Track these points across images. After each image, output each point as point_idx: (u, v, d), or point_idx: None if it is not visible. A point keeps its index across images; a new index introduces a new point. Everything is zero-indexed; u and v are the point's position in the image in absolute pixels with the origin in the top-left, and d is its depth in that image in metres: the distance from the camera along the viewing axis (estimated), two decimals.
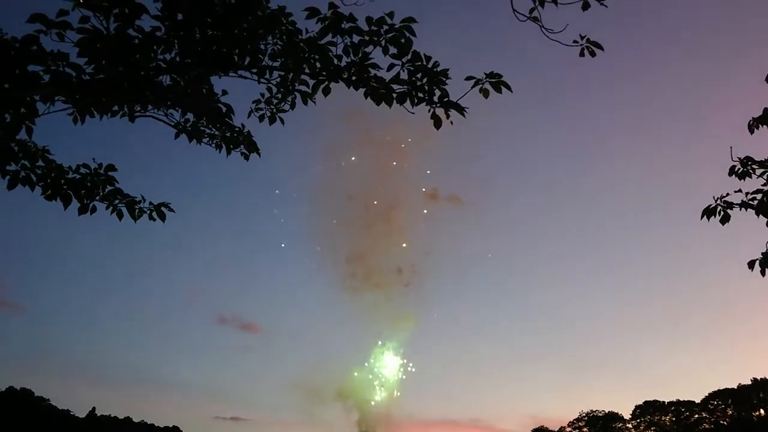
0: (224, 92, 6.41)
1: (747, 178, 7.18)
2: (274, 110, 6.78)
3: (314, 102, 6.50)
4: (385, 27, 5.67)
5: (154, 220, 6.29)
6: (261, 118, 6.81)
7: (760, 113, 8.02)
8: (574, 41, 6.11)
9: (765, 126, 7.64)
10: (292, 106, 6.66)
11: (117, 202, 6.22)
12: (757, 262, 6.64)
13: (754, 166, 7.18)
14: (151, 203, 6.36)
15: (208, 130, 6.77)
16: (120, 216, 6.24)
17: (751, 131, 8.05)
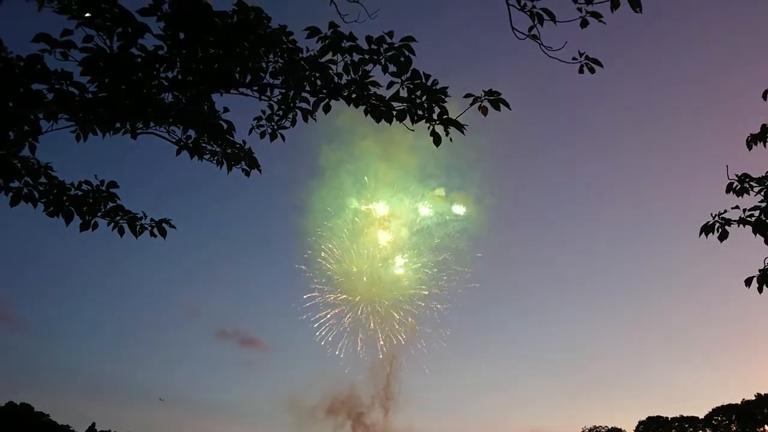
0: (225, 109, 6.48)
1: (745, 194, 7.21)
2: (275, 127, 6.83)
3: (314, 119, 6.56)
4: (385, 46, 5.74)
5: (155, 236, 6.33)
6: (262, 135, 6.87)
7: (758, 130, 8.08)
8: (573, 58, 6.17)
9: (762, 143, 7.69)
10: (293, 123, 6.71)
11: (118, 218, 6.26)
12: (755, 279, 6.65)
13: (752, 183, 7.21)
14: (152, 219, 6.41)
15: (209, 147, 6.82)
16: (121, 232, 6.28)
17: (749, 147, 8.10)
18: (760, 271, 6.72)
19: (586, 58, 6.05)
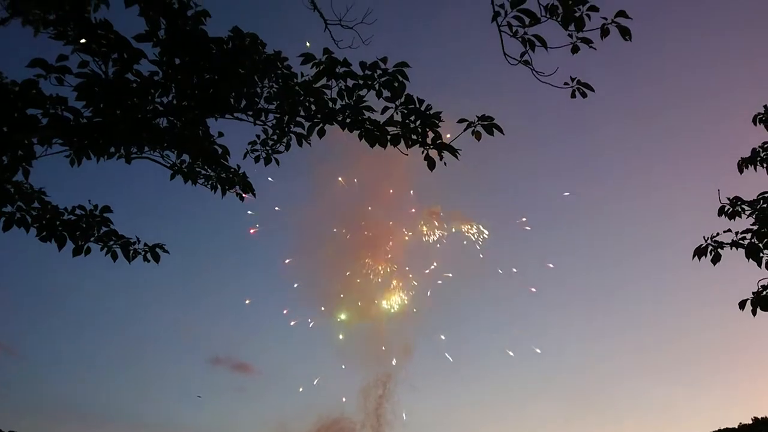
0: (220, 134, 6.51)
1: (737, 217, 7.26)
2: (270, 151, 6.86)
3: (309, 143, 6.58)
4: (379, 71, 5.80)
5: (149, 261, 6.30)
6: (257, 159, 6.88)
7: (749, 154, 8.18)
8: (565, 83, 6.24)
9: (753, 166, 7.78)
10: (287, 147, 6.74)
11: (112, 243, 6.24)
12: (748, 302, 6.67)
13: (744, 206, 7.27)
14: (145, 244, 6.38)
15: (203, 171, 6.83)
16: (114, 257, 6.25)
17: (741, 171, 8.18)
18: (753, 293, 6.74)
19: (578, 82, 6.13)
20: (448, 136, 6.17)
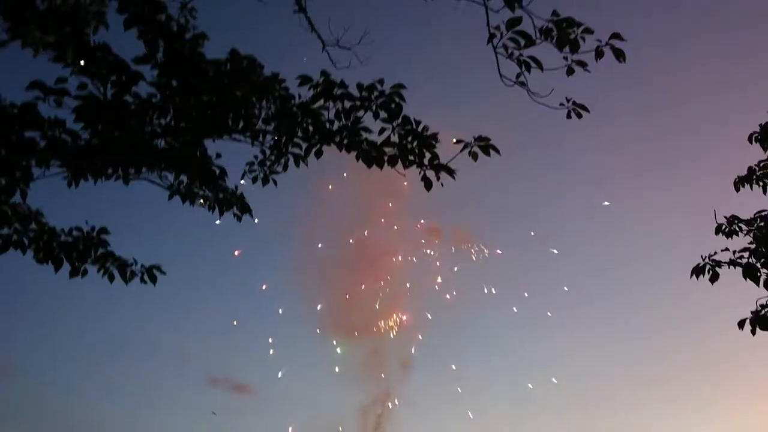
0: (218, 155, 6.53)
1: (734, 236, 7.29)
2: (267, 172, 6.87)
3: (306, 164, 6.60)
4: (376, 93, 5.84)
5: (146, 282, 6.29)
6: (254, 180, 6.90)
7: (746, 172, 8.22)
8: (561, 104, 6.29)
9: (749, 185, 7.82)
10: (285, 168, 6.76)
11: (108, 264, 6.24)
12: (747, 321, 6.66)
13: (741, 225, 7.30)
14: (142, 266, 6.38)
15: (201, 192, 6.84)
16: (111, 278, 6.24)
17: (737, 189, 8.23)
18: (752, 313, 6.74)
19: (573, 103, 6.18)
20: (455, 140, 6.17)
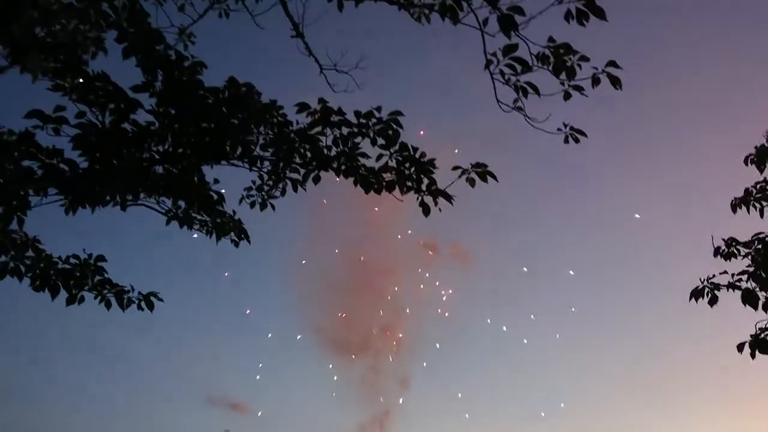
0: (216, 180, 6.54)
1: (732, 258, 7.29)
2: (265, 197, 6.89)
3: (305, 189, 6.62)
4: (374, 120, 5.88)
5: (143, 309, 6.28)
6: (252, 205, 6.91)
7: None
8: (558, 129, 6.32)
9: (746, 207, 7.84)
10: (283, 192, 6.77)
11: (106, 291, 6.22)
12: (747, 345, 6.65)
13: (739, 247, 7.30)
14: (139, 293, 6.36)
15: (199, 217, 6.85)
16: (108, 306, 6.23)
17: (734, 210, 8.24)
18: (751, 336, 6.73)
19: (571, 128, 6.20)
20: (453, 167, 6.18)
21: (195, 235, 6.85)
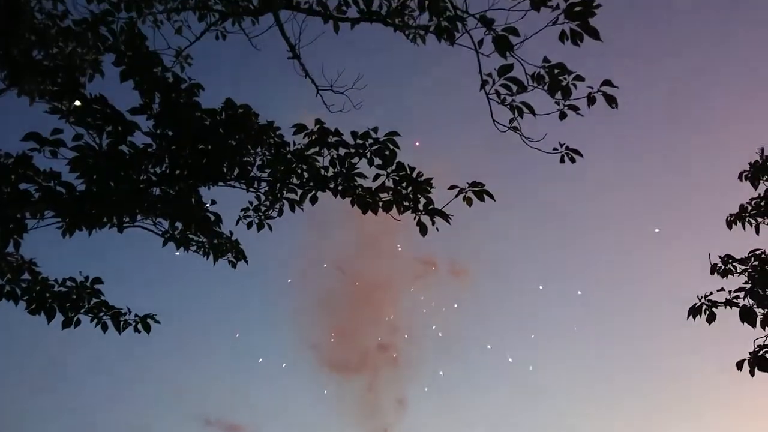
0: (213, 202, 6.54)
1: (729, 275, 7.30)
2: (263, 217, 6.88)
3: (302, 209, 6.62)
4: (370, 140, 5.90)
5: (139, 332, 6.23)
6: (249, 225, 6.90)
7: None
8: (554, 148, 6.34)
9: (741, 223, 7.86)
10: (280, 213, 6.77)
11: (102, 314, 6.18)
12: (746, 362, 6.63)
13: (735, 264, 7.32)
14: (136, 315, 6.33)
15: (196, 238, 6.83)
16: (104, 328, 6.19)
17: (730, 227, 8.27)
18: (750, 353, 6.71)
19: (566, 148, 6.23)
20: (450, 187, 6.19)
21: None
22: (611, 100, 5.62)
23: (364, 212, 6.08)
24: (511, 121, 6.21)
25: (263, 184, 6.45)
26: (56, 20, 6.24)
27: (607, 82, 5.62)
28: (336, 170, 6.14)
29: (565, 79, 5.67)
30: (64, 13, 6.26)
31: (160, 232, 6.61)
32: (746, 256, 7.31)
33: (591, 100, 5.66)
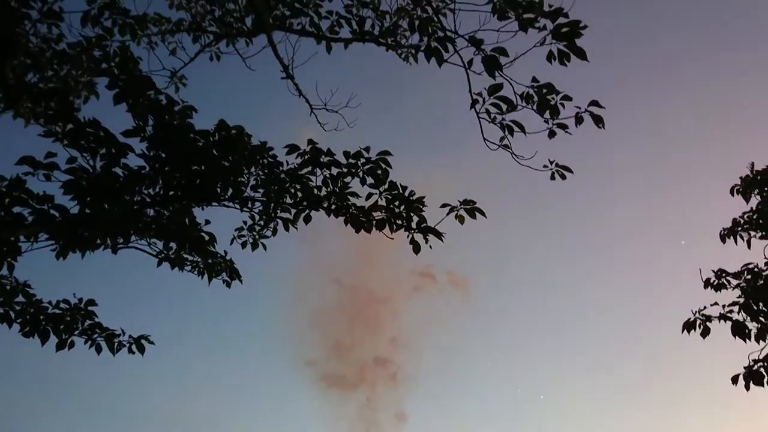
0: (207, 222, 6.57)
1: (723, 289, 7.32)
2: (257, 237, 6.91)
3: (296, 228, 6.65)
4: (363, 160, 5.95)
5: (133, 353, 6.24)
6: (243, 245, 6.93)
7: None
8: (544, 166, 6.39)
9: (734, 237, 7.91)
10: (274, 232, 6.81)
11: (96, 336, 6.19)
12: (741, 377, 6.64)
13: (728, 278, 7.34)
14: (130, 336, 6.34)
15: (190, 258, 6.86)
16: (98, 350, 6.19)
17: (723, 241, 8.31)
18: (745, 368, 6.72)
19: (556, 165, 6.28)
20: (442, 205, 6.23)
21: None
22: (598, 120, 5.68)
23: (357, 231, 6.11)
24: (501, 139, 6.27)
25: (257, 204, 6.49)
26: (51, 44, 6.31)
27: (594, 103, 5.68)
28: (329, 189, 6.18)
29: (554, 98, 5.74)
30: (59, 36, 6.33)
31: (154, 253, 6.64)
32: (739, 270, 7.35)
33: (578, 119, 5.72)
